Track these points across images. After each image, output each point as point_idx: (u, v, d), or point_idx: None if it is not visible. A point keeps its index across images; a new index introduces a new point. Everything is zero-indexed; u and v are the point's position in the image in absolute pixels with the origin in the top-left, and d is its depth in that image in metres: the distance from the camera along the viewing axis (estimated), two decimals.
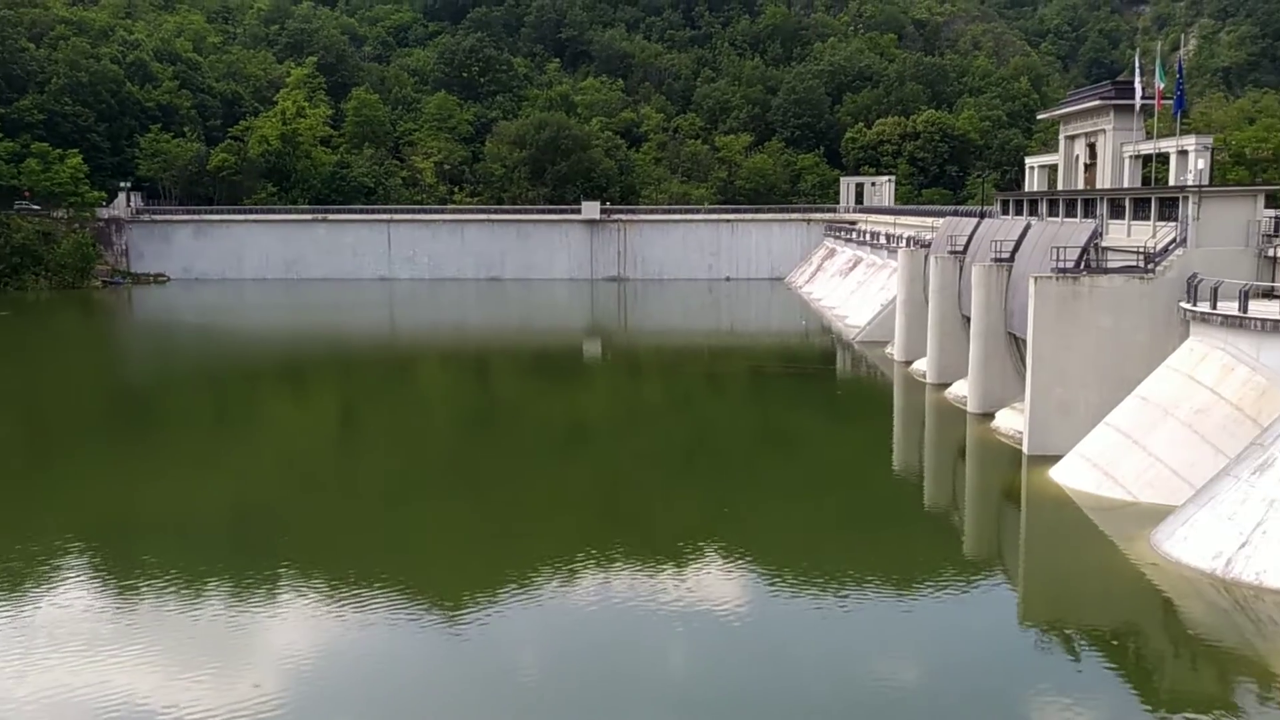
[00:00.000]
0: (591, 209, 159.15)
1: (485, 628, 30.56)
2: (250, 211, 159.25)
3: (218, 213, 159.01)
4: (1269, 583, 31.34)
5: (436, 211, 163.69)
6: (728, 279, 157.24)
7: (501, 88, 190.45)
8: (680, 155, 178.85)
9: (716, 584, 33.89)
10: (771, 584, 34.69)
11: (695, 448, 56.26)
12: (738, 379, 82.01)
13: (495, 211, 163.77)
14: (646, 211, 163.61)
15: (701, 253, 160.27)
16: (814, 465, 52.65)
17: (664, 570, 35.06)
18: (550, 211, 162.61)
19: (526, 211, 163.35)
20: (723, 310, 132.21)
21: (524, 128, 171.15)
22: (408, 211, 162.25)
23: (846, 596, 33.27)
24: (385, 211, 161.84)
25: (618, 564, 35.74)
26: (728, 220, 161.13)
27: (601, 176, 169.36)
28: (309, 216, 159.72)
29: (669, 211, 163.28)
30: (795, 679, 27.16)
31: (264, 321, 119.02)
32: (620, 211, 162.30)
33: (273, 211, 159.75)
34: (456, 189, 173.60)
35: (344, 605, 31.85)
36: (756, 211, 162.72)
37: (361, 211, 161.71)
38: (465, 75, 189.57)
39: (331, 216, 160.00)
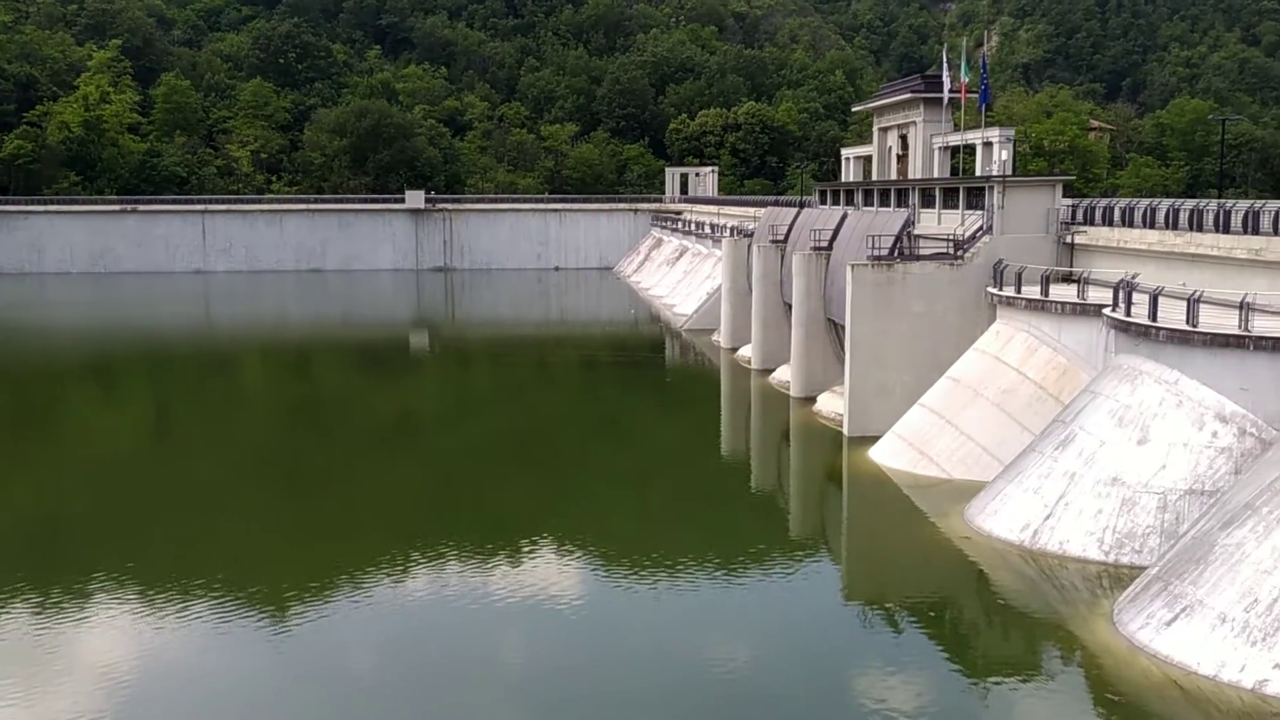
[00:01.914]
0: (416, 198, 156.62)
1: (315, 628, 29.79)
2: (51, 201, 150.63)
3: (14, 203, 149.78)
4: (1071, 551, 33.29)
5: (254, 201, 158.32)
6: (557, 269, 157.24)
7: (320, 74, 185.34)
8: (506, 144, 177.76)
9: (550, 573, 33.92)
10: (606, 570, 34.93)
11: (527, 438, 56.11)
12: (568, 368, 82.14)
13: (316, 201, 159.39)
14: (473, 201, 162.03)
15: (530, 242, 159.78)
16: (645, 452, 53.22)
17: (498, 562, 34.91)
18: (373, 201, 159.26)
19: (348, 201, 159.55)
20: (552, 300, 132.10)
21: (344, 115, 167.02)
22: (224, 202, 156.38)
23: (678, 579, 33.78)
24: (200, 202, 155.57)
25: (450, 557, 35.38)
26: (556, 210, 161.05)
27: (426, 165, 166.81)
28: (117, 207, 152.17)
29: (496, 201, 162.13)
30: (631, 663, 27.45)
31: (69, 317, 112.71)
32: (446, 201, 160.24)
33: (77, 202, 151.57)
34: (274, 178, 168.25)
35: (164, 614, 30.51)
36: (584, 201, 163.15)
37: (174, 202, 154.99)
38: (282, 61, 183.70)
39: (142, 207, 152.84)
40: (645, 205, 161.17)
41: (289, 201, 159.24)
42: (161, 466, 50.26)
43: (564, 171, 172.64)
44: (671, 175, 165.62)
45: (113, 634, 29.25)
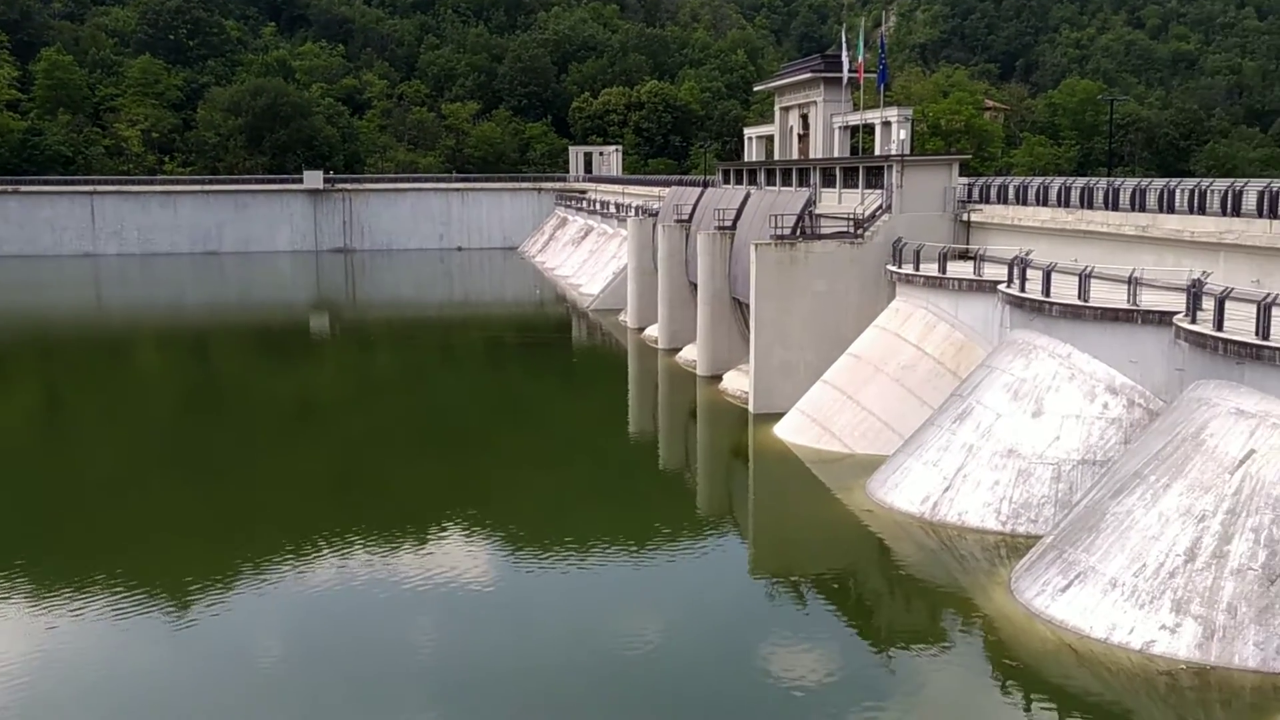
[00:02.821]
0: (314, 178, 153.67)
1: (218, 620, 29.21)
2: None
3: None
4: (970, 522, 34.18)
5: (146, 182, 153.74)
6: (460, 249, 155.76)
7: (213, 51, 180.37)
8: (406, 123, 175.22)
9: (459, 556, 33.74)
10: (515, 552, 34.86)
11: (432, 421, 55.64)
12: (473, 350, 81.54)
13: (210, 182, 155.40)
14: (373, 181, 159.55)
15: (432, 222, 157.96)
16: (552, 433, 53.14)
17: (405, 547, 34.61)
18: (270, 181, 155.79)
19: (245, 181, 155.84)
20: (456, 281, 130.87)
21: (239, 94, 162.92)
22: (113, 182, 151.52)
23: (588, 559, 33.89)
24: (87, 183, 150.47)
25: (357, 544, 34.94)
26: (458, 189, 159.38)
27: (324, 145, 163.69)
28: None
29: (396, 180, 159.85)
30: (543, 644, 27.47)
31: None
32: (345, 181, 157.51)
33: None
34: (167, 158, 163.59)
35: (59, 610, 29.63)
36: (487, 180, 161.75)
37: (60, 183, 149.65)
38: (172, 37, 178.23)
39: (24, 188, 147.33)
40: (549, 184, 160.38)
41: (183, 182, 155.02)
42: (52, 458, 48.71)
43: (466, 150, 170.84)
44: (575, 154, 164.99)
45: (3, 633, 28.31)
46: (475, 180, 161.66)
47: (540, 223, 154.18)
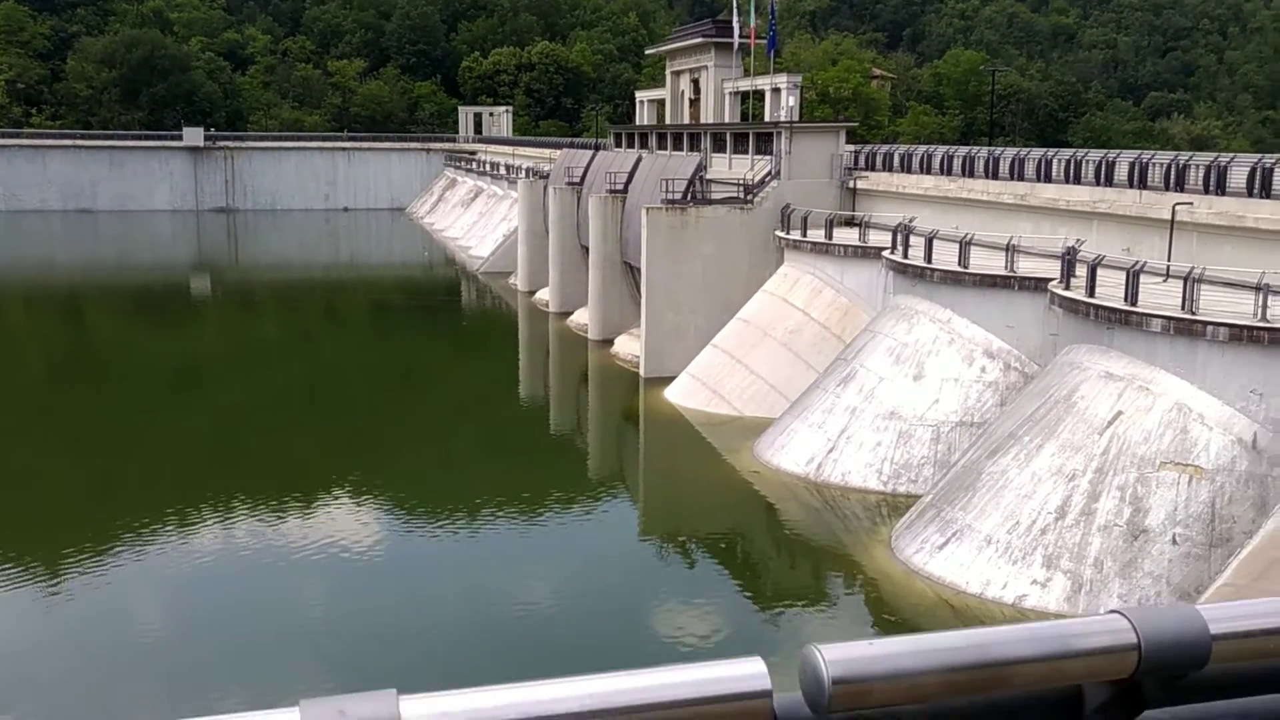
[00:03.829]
0: (194, 135, 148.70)
1: (97, 590, 28.47)
2: None
3: None
4: (853, 482, 35.06)
5: (11, 136, 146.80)
6: (346, 210, 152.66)
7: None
8: (291, 80, 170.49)
9: (349, 522, 33.41)
10: (406, 517, 34.67)
11: (319, 385, 54.76)
12: (361, 313, 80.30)
13: (83, 137, 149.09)
14: (256, 139, 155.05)
15: (317, 182, 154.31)
16: (442, 397, 52.80)
17: (292, 513, 34.12)
18: (148, 137, 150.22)
19: (120, 137, 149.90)
20: (342, 242, 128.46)
21: (113, 45, 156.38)
22: None
23: (480, 523, 33.87)
24: None
25: (241, 511, 34.32)
26: (344, 149, 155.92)
27: (204, 101, 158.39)
28: None
29: (281, 139, 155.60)
30: (433, 606, 27.45)
31: None
32: (227, 138, 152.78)
33: None
34: (34, 111, 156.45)
35: None
36: (374, 140, 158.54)
37: None
38: None
39: None
40: (438, 145, 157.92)
41: (52, 137, 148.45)
42: None
43: (353, 109, 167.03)
44: (465, 115, 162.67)
45: None
46: (362, 140, 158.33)
47: (429, 184, 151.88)
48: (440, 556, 31.39)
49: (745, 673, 1.70)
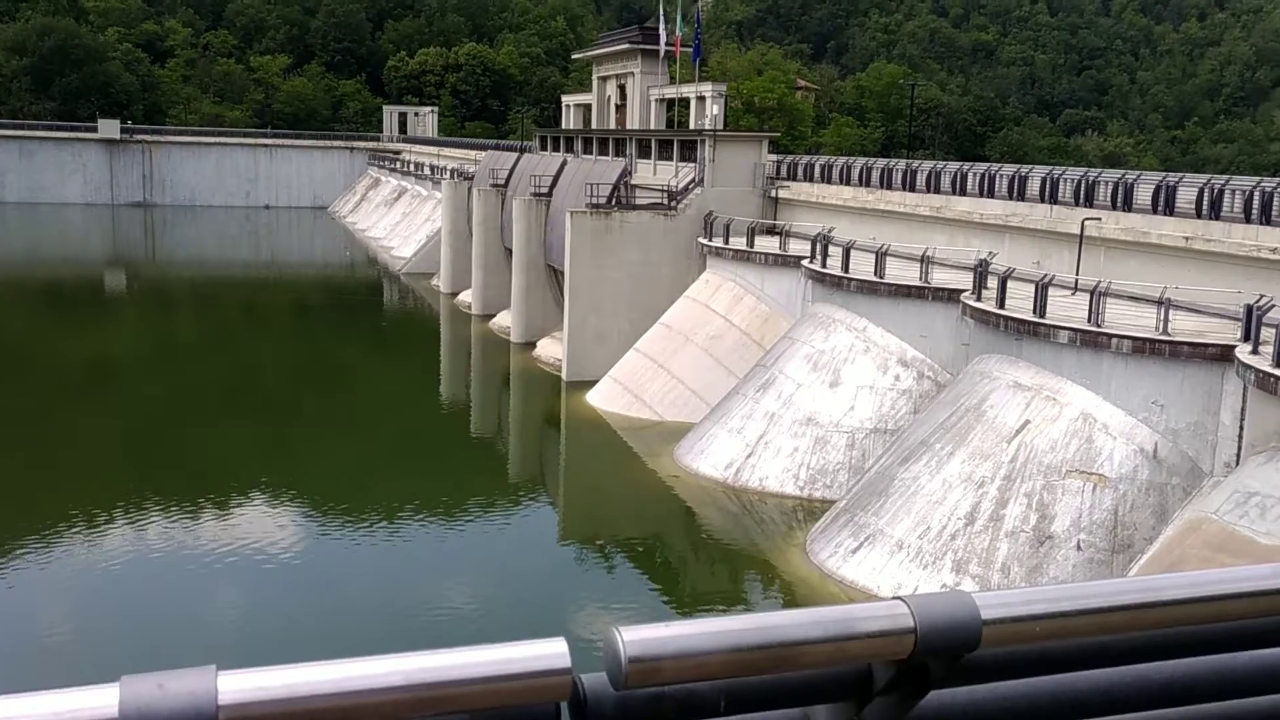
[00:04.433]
0: (110, 127, 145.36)
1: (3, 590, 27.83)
2: None
3: None
4: (770, 487, 35.55)
5: None
6: (268, 207, 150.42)
7: None
8: (212, 74, 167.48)
9: (264, 525, 33.03)
10: (323, 521, 34.35)
11: (237, 385, 53.94)
12: (280, 312, 79.22)
13: None
14: (176, 133, 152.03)
15: (239, 179, 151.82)
16: (362, 399, 52.34)
17: (207, 516, 33.63)
18: (60, 129, 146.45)
19: (31, 127, 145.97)
20: (263, 240, 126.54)
21: (24, 32, 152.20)
22: None
23: (399, 527, 33.70)
24: None
25: (155, 513, 33.74)
26: (267, 145, 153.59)
27: (121, 92, 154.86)
28: None
29: (201, 134, 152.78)
30: (349, 611, 27.27)
31: None
32: (145, 132, 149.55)
33: None
34: None
35: None
36: (297, 137, 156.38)
37: None
38: None
39: None
40: (363, 144, 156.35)
41: None
42: None
43: (275, 106, 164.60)
44: (390, 114, 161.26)
45: None
46: (285, 137, 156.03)
47: (352, 183, 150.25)
48: (357, 560, 31.19)
49: (547, 652, 1.80)
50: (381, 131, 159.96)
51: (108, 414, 47.67)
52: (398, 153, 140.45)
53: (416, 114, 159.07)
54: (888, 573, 27.91)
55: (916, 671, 2.03)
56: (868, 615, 1.96)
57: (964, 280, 35.10)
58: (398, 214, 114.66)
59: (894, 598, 2.00)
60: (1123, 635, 2.10)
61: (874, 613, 1.97)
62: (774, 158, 55.49)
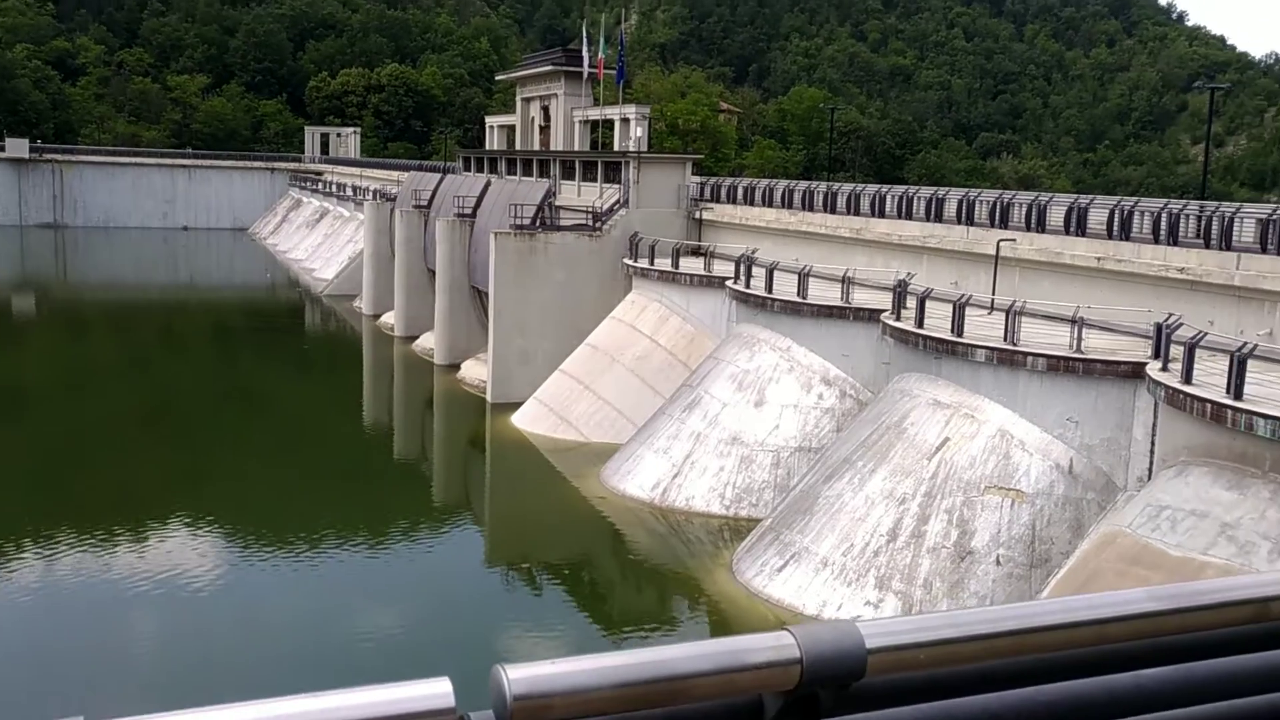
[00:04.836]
0: (19, 146, 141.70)
1: None
2: None
3: None
4: (697, 507, 35.67)
5: None
6: (186, 229, 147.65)
7: None
8: (127, 93, 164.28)
9: (183, 553, 32.29)
10: (244, 547, 33.70)
11: (154, 411, 52.78)
12: (200, 336, 77.76)
13: None
14: (89, 152, 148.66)
15: (155, 200, 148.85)
16: (284, 423, 51.54)
17: (124, 544, 32.80)
18: None
19: None
20: (181, 262, 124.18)
21: None
22: None
23: (322, 553, 33.17)
24: None
25: (67, 541, 32.79)
26: (185, 166, 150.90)
27: (30, 111, 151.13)
28: None
29: (116, 154, 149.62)
30: (271, 639, 26.77)
31: None
32: (56, 151, 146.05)
33: None
34: None
35: None
36: (216, 158, 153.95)
37: None
38: None
39: None
40: (284, 165, 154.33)
41: None
42: None
43: (194, 126, 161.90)
44: (311, 134, 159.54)
45: None
46: (204, 157, 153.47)
47: (273, 204, 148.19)
48: (277, 589, 30.62)
49: (431, 692, 1.77)
50: (303, 152, 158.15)
51: (12, 441, 46.29)
52: (320, 174, 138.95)
53: (339, 134, 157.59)
54: (813, 590, 28.12)
55: (806, 701, 2.04)
56: (754, 646, 1.97)
57: (884, 300, 35.64)
58: (319, 235, 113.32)
59: (781, 628, 2.01)
60: (1007, 660, 2.14)
61: (760, 644, 1.98)
62: (698, 179, 55.94)
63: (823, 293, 37.60)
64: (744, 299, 39.87)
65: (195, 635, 27.05)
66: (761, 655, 1.96)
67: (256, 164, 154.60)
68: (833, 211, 45.89)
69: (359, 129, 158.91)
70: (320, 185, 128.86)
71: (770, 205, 49.86)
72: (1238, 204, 34.88)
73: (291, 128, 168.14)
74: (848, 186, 48.61)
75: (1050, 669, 2.18)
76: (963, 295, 30.95)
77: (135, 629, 27.47)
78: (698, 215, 53.60)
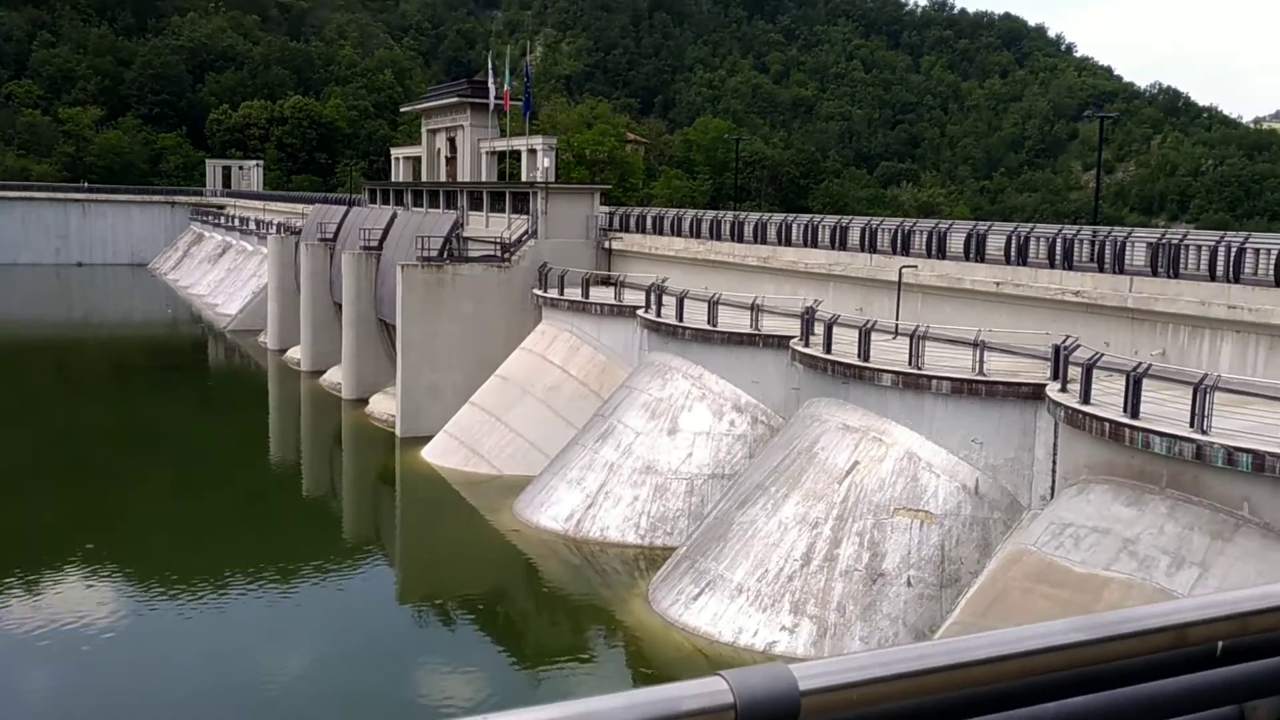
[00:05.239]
0: None
1: None
2: None
3: None
4: (611, 537, 35.58)
5: None
6: (80, 265, 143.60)
7: None
8: (15, 125, 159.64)
9: (82, 598, 31.20)
10: (146, 591, 32.68)
11: (49, 452, 51.02)
12: (97, 374, 75.55)
13: None
14: None
15: (47, 235, 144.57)
16: (187, 462, 50.22)
17: (16, 589, 31.57)
18: None
19: None
20: (75, 299, 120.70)
21: None
22: None
23: (228, 595, 32.34)
24: None
25: None
26: (79, 200, 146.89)
27: None
28: None
29: (3, 188, 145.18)
30: (176, 684, 25.96)
31: None
32: None
33: None
34: None
35: None
36: (113, 192, 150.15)
37: None
38: None
39: None
40: (184, 198, 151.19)
41: None
42: None
43: (88, 159, 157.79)
44: (213, 168, 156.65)
45: None
46: (99, 191, 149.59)
47: (174, 238, 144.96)
48: (183, 633, 29.74)
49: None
50: (204, 185, 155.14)
51: None
52: (221, 207, 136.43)
53: (241, 167, 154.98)
54: (728, 618, 28.20)
55: None
56: (686, 694, 1.95)
57: (793, 327, 36.05)
58: (222, 270, 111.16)
59: (714, 674, 2.01)
60: (937, 696, 2.17)
61: (692, 691, 1.96)
62: (606, 209, 56.14)
63: (733, 320, 37.94)
64: (655, 328, 40.05)
65: (92, 686, 26.11)
66: (694, 703, 1.94)
67: (156, 198, 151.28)
68: (740, 240, 46.40)
69: (262, 162, 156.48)
70: (223, 219, 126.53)
71: (679, 234, 50.25)
72: (1129, 229, 36.11)
73: (192, 160, 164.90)
74: (754, 215, 49.22)
75: (979, 702, 2.22)
76: (868, 321, 31.49)
77: (28, 680, 26.42)
78: (607, 245, 53.77)
